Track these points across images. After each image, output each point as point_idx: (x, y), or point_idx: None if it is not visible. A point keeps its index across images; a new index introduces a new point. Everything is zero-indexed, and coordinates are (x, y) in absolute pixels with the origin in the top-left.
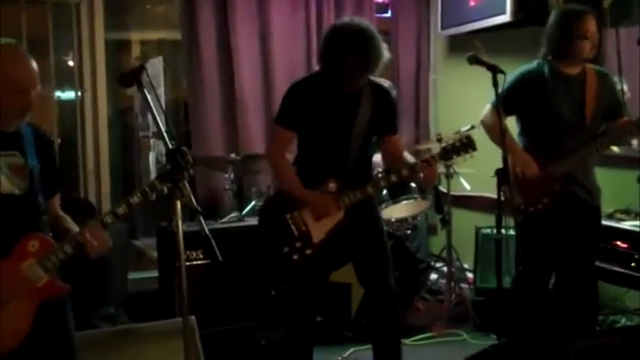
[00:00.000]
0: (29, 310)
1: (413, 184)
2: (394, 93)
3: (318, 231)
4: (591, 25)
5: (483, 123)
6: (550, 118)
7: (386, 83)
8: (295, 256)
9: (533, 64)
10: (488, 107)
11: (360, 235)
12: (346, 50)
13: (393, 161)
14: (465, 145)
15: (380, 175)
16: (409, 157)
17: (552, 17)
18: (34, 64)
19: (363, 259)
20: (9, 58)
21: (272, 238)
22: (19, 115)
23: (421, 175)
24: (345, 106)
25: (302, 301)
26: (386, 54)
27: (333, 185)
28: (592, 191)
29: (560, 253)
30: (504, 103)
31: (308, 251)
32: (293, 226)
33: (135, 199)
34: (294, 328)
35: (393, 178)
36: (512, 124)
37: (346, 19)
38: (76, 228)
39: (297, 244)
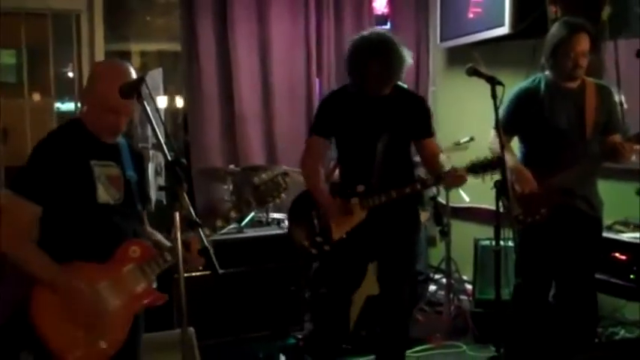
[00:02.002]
0: (127, 318)
1: None
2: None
3: (339, 229)
4: (579, 45)
5: (490, 149)
6: (549, 132)
7: None
8: (313, 250)
9: (528, 81)
10: (492, 132)
11: (385, 237)
12: (367, 60)
13: (429, 163)
14: (494, 164)
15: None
16: (444, 161)
17: (551, 30)
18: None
19: (385, 260)
20: (109, 76)
21: (296, 231)
22: (109, 134)
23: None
24: (375, 112)
25: (335, 303)
26: (408, 59)
27: (361, 187)
28: (592, 203)
29: (559, 264)
30: (505, 125)
31: (326, 247)
32: (316, 221)
33: (233, 214)
34: (325, 331)
35: (418, 186)
36: (516, 142)
37: (365, 32)
38: (166, 242)
39: (318, 239)
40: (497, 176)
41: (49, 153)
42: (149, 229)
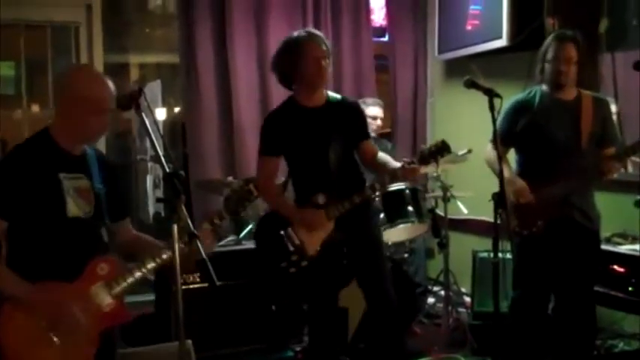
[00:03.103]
0: (94, 337)
1: (410, 208)
2: (362, 106)
3: (312, 243)
4: (567, 52)
5: (487, 161)
6: (544, 143)
7: (369, 100)
8: (292, 269)
9: (524, 93)
10: (489, 145)
11: (355, 246)
12: (301, 49)
13: (371, 164)
14: (440, 149)
15: (367, 185)
16: (388, 160)
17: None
18: (112, 85)
19: (361, 269)
20: (87, 79)
21: (269, 255)
22: (95, 137)
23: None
24: (315, 123)
25: (319, 319)
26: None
27: (322, 198)
28: (590, 215)
29: (558, 277)
30: (501, 137)
31: (303, 263)
32: (288, 242)
33: (217, 220)
34: (319, 344)
35: (378, 186)
36: (511, 154)
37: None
38: (158, 242)
39: (293, 258)
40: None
41: (16, 166)
42: (136, 233)
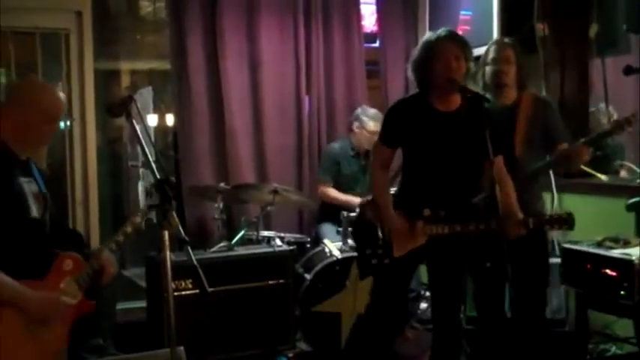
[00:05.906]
0: (66, 328)
1: None
2: None
3: (401, 246)
4: (505, 53)
5: None
6: None
7: (371, 112)
8: (374, 261)
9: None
10: None
11: (440, 268)
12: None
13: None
14: (562, 220)
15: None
16: (511, 199)
17: None
18: (63, 95)
19: (436, 291)
20: (43, 90)
21: (360, 238)
22: (45, 143)
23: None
24: (444, 127)
25: (384, 313)
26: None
27: (427, 211)
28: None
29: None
30: None
31: (386, 260)
32: (380, 233)
33: (128, 229)
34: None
35: (482, 227)
36: None
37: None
38: None
39: (379, 251)
40: None
41: None
42: None
